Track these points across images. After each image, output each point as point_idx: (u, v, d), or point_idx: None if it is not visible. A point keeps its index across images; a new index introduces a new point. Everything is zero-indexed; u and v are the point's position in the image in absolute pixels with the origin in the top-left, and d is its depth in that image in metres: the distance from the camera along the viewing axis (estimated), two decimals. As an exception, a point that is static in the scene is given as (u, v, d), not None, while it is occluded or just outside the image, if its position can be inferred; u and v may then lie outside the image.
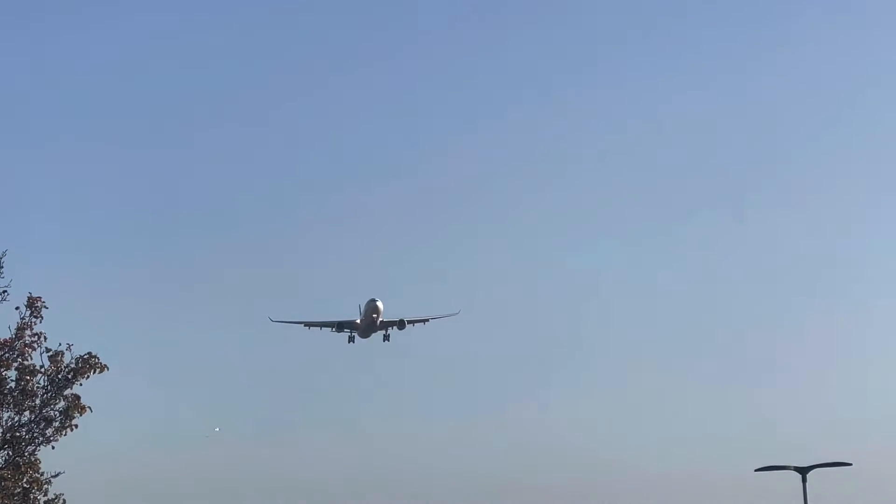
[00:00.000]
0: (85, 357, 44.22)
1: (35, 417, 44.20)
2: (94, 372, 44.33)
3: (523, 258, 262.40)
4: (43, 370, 43.99)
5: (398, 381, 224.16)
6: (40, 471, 44.07)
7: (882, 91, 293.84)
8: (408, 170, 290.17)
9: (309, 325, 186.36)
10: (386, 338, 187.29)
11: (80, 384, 44.30)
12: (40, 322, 44.12)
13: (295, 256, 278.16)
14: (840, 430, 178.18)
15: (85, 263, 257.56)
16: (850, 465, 60.57)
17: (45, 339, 44.08)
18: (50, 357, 43.89)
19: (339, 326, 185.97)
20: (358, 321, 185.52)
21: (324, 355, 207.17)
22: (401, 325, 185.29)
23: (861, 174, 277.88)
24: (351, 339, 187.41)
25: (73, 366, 44.13)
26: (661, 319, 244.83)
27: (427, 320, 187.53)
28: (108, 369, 44.47)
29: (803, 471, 58.23)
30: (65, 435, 44.39)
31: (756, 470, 61.03)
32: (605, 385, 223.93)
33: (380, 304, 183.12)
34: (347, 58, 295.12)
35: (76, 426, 44.28)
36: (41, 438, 44.21)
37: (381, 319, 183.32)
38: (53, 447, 44.40)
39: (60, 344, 44.11)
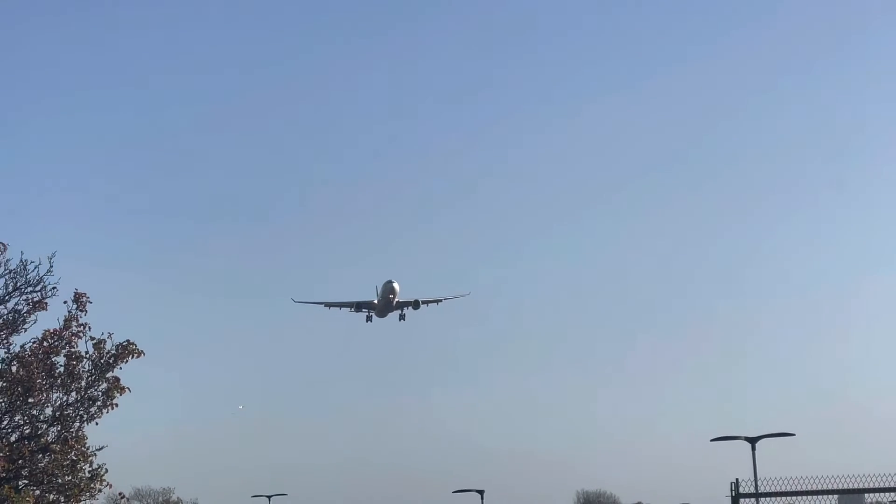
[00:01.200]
0: (124, 344, 48.76)
1: (81, 397, 48.45)
2: (132, 357, 48.84)
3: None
4: (87, 356, 48.36)
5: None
6: (86, 444, 48.28)
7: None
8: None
9: (329, 305, 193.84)
10: (402, 317, 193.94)
11: (121, 368, 48.79)
12: (85, 314, 48.61)
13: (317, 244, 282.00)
14: (784, 406, 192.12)
15: (121, 260, 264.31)
16: (793, 434, 63.62)
17: (90, 328, 48.52)
18: (94, 345, 48.37)
19: (358, 307, 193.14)
20: (375, 301, 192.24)
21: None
22: (415, 305, 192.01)
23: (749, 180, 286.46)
24: (369, 319, 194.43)
25: (113, 352, 48.53)
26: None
27: (440, 301, 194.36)
28: (144, 354, 49.40)
29: (752, 440, 61.12)
30: (107, 412, 48.73)
31: (712, 440, 64.54)
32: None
33: (396, 285, 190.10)
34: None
35: (117, 405, 48.73)
36: (86, 416, 48.50)
37: (397, 300, 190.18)
38: (97, 423, 48.78)
39: (102, 333, 48.64)
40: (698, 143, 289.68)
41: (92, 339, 48.67)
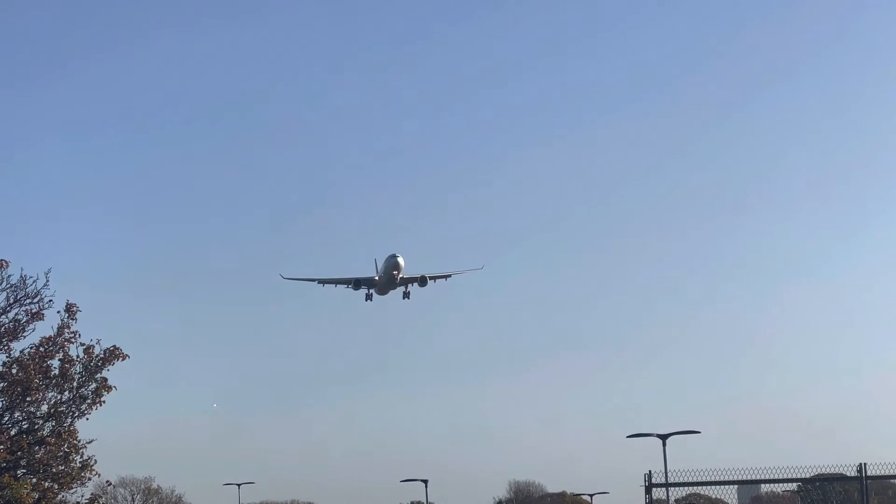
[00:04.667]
0: (111, 349, 54.18)
1: (73, 396, 53.70)
2: (118, 360, 54.15)
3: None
4: (78, 360, 53.68)
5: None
6: (77, 438, 53.51)
7: None
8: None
9: (323, 282, 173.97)
10: (406, 295, 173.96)
11: (108, 370, 54.08)
12: (75, 322, 54.11)
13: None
14: (693, 406, 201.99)
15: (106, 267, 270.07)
16: (698, 432, 67.47)
17: (80, 335, 53.96)
18: (84, 349, 53.75)
19: (357, 283, 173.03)
20: (376, 278, 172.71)
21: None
22: (422, 281, 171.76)
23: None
24: (368, 297, 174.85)
25: (101, 356, 53.86)
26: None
27: (449, 276, 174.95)
28: (129, 357, 54.59)
29: (663, 437, 64.95)
30: (96, 409, 54.04)
31: (628, 436, 68.09)
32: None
33: (401, 259, 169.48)
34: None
35: (104, 402, 54.01)
36: (77, 412, 53.75)
37: (401, 276, 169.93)
38: (87, 419, 54.09)
39: (91, 339, 54.05)
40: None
41: (82, 344, 54.27)
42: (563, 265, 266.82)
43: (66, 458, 53.65)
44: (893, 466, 51.04)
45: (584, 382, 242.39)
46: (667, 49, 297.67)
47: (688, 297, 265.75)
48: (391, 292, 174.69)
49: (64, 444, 53.53)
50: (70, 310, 54.46)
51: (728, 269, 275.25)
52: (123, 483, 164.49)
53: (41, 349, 53.74)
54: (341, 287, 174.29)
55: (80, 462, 53.76)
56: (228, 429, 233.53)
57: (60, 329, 54.15)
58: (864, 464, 50.98)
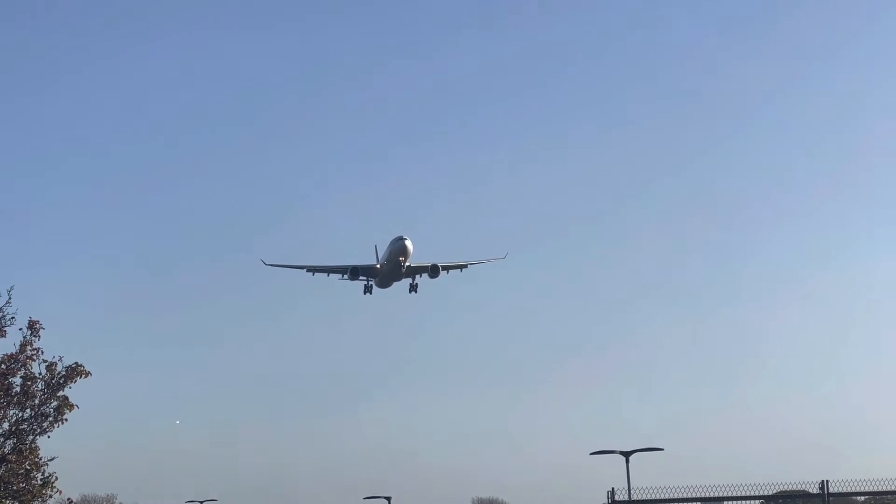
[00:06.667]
0: (73, 366, 53.81)
1: (34, 414, 53.30)
2: (80, 377, 53.78)
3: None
4: (41, 377, 53.33)
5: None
6: (39, 455, 53.07)
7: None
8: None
9: (313, 270, 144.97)
10: (413, 288, 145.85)
11: (70, 387, 53.70)
12: (38, 339, 53.63)
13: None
14: (656, 423, 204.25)
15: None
16: (661, 449, 68.39)
17: (42, 352, 53.50)
18: (46, 366, 53.40)
19: (354, 272, 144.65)
20: (378, 266, 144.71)
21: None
22: (433, 271, 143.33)
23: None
24: (367, 290, 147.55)
25: (63, 373, 53.54)
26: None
27: (465, 266, 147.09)
28: (91, 375, 54.25)
29: (626, 454, 65.97)
30: (58, 427, 53.55)
31: (591, 453, 68.64)
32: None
33: (409, 243, 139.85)
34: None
35: (66, 420, 53.55)
36: (39, 430, 53.32)
37: (408, 264, 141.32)
38: (49, 437, 53.56)
39: (54, 356, 53.66)
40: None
41: (45, 361, 53.91)
42: (528, 280, 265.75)
43: (27, 476, 53.30)
44: (855, 483, 51.53)
45: (546, 402, 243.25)
46: (671, 52, 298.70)
47: (654, 314, 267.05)
48: (395, 284, 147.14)
49: (25, 462, 53.17)
50: (33, 327, 54.17)
51: (694, 287, 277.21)
52: (85, 501, 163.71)
53: (2, 366, 53.31)
54: (334, 277, 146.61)
55: (41, 479, 53.44)
56: (191, 446, 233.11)
57: (23, 346, 53.86)
58: (827, 481, 51.53)
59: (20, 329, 54.08)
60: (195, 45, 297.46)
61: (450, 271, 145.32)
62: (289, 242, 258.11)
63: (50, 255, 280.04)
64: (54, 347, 54.65)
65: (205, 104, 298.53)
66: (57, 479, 53.72)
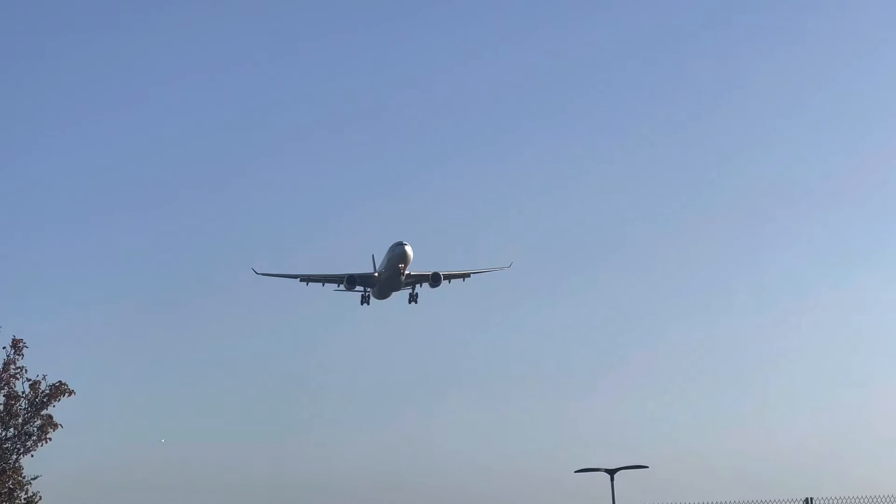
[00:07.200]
0: (57, 385, 53.88)
1: (18, 433, 53.41)
2: (65, 396, 53.83)
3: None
4: (24, 395, 53.40)
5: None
6: (22, 474, 53.21)
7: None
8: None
9: (307, 279, 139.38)
10: (413, 298, 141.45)
11: (54, 406, 53.71)
12: (22, 358, 53.75)
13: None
14: (641, 441, 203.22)
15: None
16: (647, 467, 66.69)
17: (26, 371, 53.65)
18: (30, 385, 53.48)
19: (351, 281, 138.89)
20: (376, 274, 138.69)
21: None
22: (434, 279, 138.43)
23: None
24: (365, 300, 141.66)
25: (47, 392, 53.57)
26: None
27: (468, 275, 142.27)
28: (74, 394, 54.30)
29: (611, 472, 65.02)
30: (41, 446, 53.64)
31: (576, 471, 67.00)
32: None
33: (409, 249, 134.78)
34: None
35: (50, 439, 53.59)
36: (22, 449, 53.45)
37: (408, 271, 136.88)
38: (32, 455, 53.69)
39: (38, 375, 53.69)
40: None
41: (28, 380, 53.99)
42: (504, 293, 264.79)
43: (10, 495, 53.35)
44: (839, 501, 51.63)
45: (529, 421, 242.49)
46: (688, 59, 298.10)
47: (638, 329, 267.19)
48: (394, 295, 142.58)
49: (9, 481, 53.24)
50: (17, 345, 54.19)
51: (676, 304, 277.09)
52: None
53: (-15, 385, 53.09)
54: (329, 287, 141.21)
55: (25, 499, 53.57)
56: (176, 463, 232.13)
57: (6, 364, 53.89)
58: (811, 498, 51.59)
59: (3, 348, 54.22)
60: (194, 44, 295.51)
61: (451, 280, 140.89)
62: (280, 250, 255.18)
63: (31, 273, 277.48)
64: (38, 366, 54.62)
65: (205, 103, 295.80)
66: (41, 498, 53.95)
